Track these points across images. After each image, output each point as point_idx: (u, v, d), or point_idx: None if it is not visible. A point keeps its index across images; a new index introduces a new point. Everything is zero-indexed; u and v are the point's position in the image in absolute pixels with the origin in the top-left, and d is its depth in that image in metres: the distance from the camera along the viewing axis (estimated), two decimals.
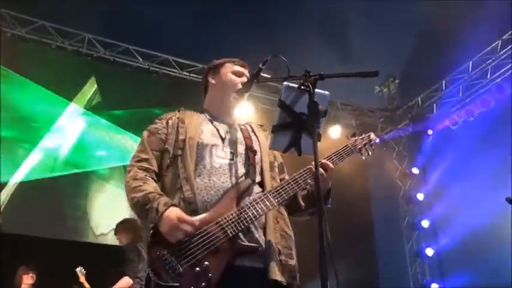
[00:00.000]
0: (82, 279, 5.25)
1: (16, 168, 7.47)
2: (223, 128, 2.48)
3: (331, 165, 2.36)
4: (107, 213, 7.96)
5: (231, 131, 2.47)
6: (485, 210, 7.82)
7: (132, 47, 8.66)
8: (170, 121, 2.48)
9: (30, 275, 6.56)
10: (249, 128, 2.58)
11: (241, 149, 2.41)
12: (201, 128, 2.42)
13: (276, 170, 2.49)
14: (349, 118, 10.44)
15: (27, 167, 7.57)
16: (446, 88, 9.76)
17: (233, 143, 2.41)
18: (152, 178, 2.31)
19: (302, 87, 2.03)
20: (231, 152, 2.37)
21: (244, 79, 2.53)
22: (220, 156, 2.34)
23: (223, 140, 2.41)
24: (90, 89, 8.38)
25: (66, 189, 7.83)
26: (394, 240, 10.18)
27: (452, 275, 8.99)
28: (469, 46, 8.79)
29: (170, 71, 8.97)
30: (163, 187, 2.32)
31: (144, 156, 2.37)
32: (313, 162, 2.21)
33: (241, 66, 2.60)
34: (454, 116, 9.58)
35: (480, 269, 7.95)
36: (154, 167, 2.35)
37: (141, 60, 8.74)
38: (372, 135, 2.69)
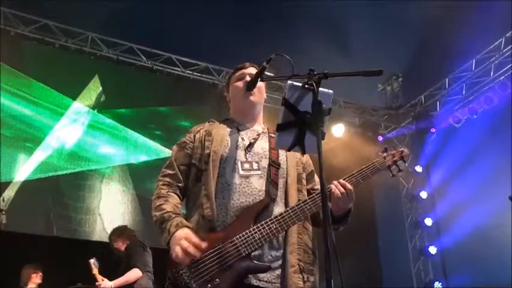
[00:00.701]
0: (95, 271, 5.27)
1: (19, 167, 7.50)
2: (249, 138, 2.48)
3: (348, 186, 2.27)
4: (111, 211, 8.00)
5: (257, 140, 2.48)
6: (489, 208, 7.82)
7: (136, 45, 8.68)
8: (198, 134, 2.48)
9: (39, 274, 6.58)
10: None
11: (264, 163, 2.39)
12: (227, 140, 2.44)
13: (304, 181, 2.46)
14: (353, 116, 10.45)
15: (31, 165, 7.60)
16: (450, 86, 9.75)
17: (257, 155, 2.41)
18: (175, 193, 2.36)
19: (306, 85, 2.02)
20: (255, 164, 2.37)
21: (247, 78, 2.53)
22: (244, 169, 2.34)
23: (247, 152, 2.41)
24: (94, 87, 8.40)
25: (70, 188, 7.84)
26: (397, 238, 10.18)
27: (456, 273, 8.98)
28: (472, 44, 8.78)
29: (173, 69, 8.99)
30: (188, 202, 2.38)
31: (169, 171, 2.42)
32: (333, 183, 2.25)
33: (240, 69, 2.62)
34: (457, 114, 9.57)
35: (483, 267, 7.95)
36: (179, 182, 2.39)
37: (144, 58, 8.76)
38: (405, 151, 2.52)
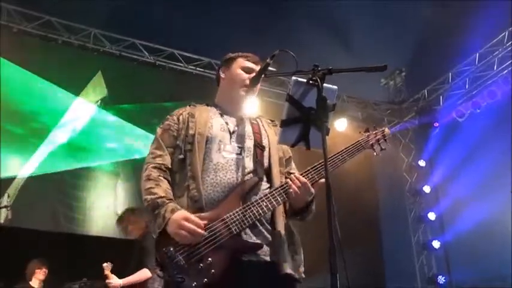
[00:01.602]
0: (107, 271, 5.26)
1: (24, 163, 7.53)
2: (232, 122, 2.49)
3: (302, 179, 2.25)
4: (115, 206, 8.02)
5: (240, 124, 2.48)
6: (492, 203, 7.82)
7: (138, 41, 8.68)
8: (181, 117, 2.48)
9: (43, 270, 6.62)
10: (259, 123, 2.57)
11: (249, 143, 2.41)
12: (211, 122, 2.43)
13: (284, 165, 2.49)
14: (355, 111, 10.44)
15: (35, 161, 7.62)
16: (453, 80, 9.74)
17: (242, 137, 2.41)
18: (165, 178, 2.35)
19: (310, 81, 2.03)
20: (239, 147, 2.38)
21: (253, 75, 2.51)
22: (228, 151, 2.35)
23: (231, 134, 2.42)
24: (97, 83, 8.40)
25: (74, 184, 7.86)
26: (400, 233, 10.18)
27: (459, 267, 8.99)
28: (476, 38, 8.75)
29: (176, 65, 9.00)
30: (173, 183, 2.36)
31: (159, 152, 2.41)
32: (290, 177, 2.26)
33: (254, 62, 2.58)
34: (460, 108, 9.56)
35: (486, 261, 7.96)
36: (168, 164, 2.38)
37: (147, 54, 8.76)
38: (386, 130, 2.60)
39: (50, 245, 7.00)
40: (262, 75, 2.44)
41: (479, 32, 8.52)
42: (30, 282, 6.57)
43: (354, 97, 10.39)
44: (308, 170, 2.30)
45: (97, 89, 8.39)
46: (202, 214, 2.18)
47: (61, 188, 7.75)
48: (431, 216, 9.89)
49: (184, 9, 8.83)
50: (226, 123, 2.46)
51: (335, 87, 2.10)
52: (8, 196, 6.51)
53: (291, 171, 2.50)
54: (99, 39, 8.47)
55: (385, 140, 2.56)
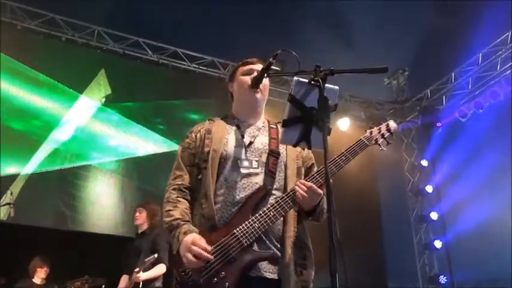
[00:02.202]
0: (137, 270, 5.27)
1: (26, 161, 7.56)
2: (249, 132, 2.51)
3: (308, 184, 2.25)
4: (118, 203, 8.06)
5: (258, 135, 2.50)
6: (494, 203, 7.82)
7: (142, 39, 8.70)
8: (198, 134, 2.52)
9: (45, 269, 6.65)
10: (279, 128, 2.50)
11: (264, 157, 2.42)
12: (226, 138, 2.46)
13: (302, 176, 2.47)
14: (358, 110, 10.44)
15: (38, 158, 7.65)
16: (456, 80, 9.73)
17: (257, 151, 2.43)
18: (184, 198, 2.40)
19: (312, 82, 2.04)
20: (255, 161, 2.39)
21: (255, 74, 2.52)
22: (243, 167, 2.37)
23: (247, 148, 2.43)
24: (100, 81, 8.43)
25: (76, 181, 7.89)
26: (402, 232, 10.18)
27: (461, 267, 8.99)
28: (479, 38, 8.74)
29: (179, 63, 9.02)
30: (193, 201, 2.41)
31: (178, 173, 2.47)
32: (296, 184, 2.27)
33: (252, 63, 2.60)
34: (463, 108, 9.54)
35: (488, 262, 7.96)
36: (187, 183, 2.43)
37: (150, 52, 8.79)
38: (391, 123, 2.56)
39: (53, 241, 7.03)
40: (265, 75, 2.45)
41: (483, 32, 8.51)
42: (33, 279, 6.62)
43: (356, 96, 10.39)
44: (313, 175, 2.31)
45: (100, 87, 8.41)
46: (214, 233, 2.23)
47: (63, 185, 7.78)
48: (434, 216, 9.89)
49: (187, 8, 8.84)
50: (242, 137, 2.47)
51: (336, 87, 2.11)
52: (11, 193, 6.55)
53: None
54: (103, 37, 8.49)
55: (391, 133, 2.53)
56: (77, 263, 6.62)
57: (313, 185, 2.25)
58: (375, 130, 2.52)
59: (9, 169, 7.38)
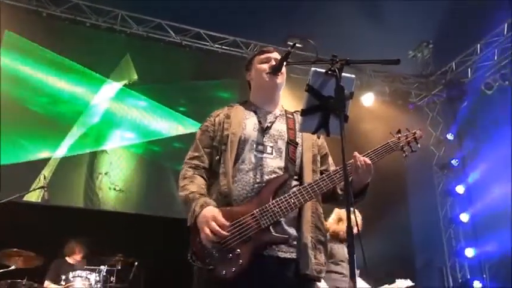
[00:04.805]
0: None
1: (57, 145, 7.79)
2: (266, 119, 2.58)
3: (368, 160, 2.38)
4: (149, 185, 8.27)
5: (275, 121, 2.57)
6: None
7: (164, 21, 8.78)
8: (217, 118, 2.61)
9: (82, 254, 6.91)
10: (295, 118, 2.63)
11: (281, 143, 2.49)
12: (245, 122, 2.54)
13: (318, 163, 2.56)
14: (382, 85, 10.38)
15: (68, 143, 7.86)
16: (481, 52, 9.56)
17: (274, 137, 2.51)
18: (200, 175, 2.49)
19: (329, 72, 2.11)
20: (271, 146, 2.47)
21: (272, 62, 2.60)
22: (259, 151, 2.45)
23: (264, 132, 2.51)
24: (126, 65, 8.56)
25: (106, 163, 8.10)
26: (428, 206, 10.18)
27: (487, 240, 8.98)
28: (504, 7, 8.55)
29: (203, 44, 9.08)
30: (210, 182, 2.50)
31: (195, 154, 2.56)
32: (355, 154, 2.37)
33: (265, 52, 2.68)
34: (489, 80, 9.37)
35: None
36: (205, 164, 2.53)
37: (173, 34, 8.86)
38: (418, 132, 2.62)
39: (86, 222, 7.26)
40: (284, 63, 2.54)
41: (509, 1, 8.33)
42: (67, 258, 6.88)
43: (380, 71, 10.30)
44: (368, 153, 2.43)
45: (126, 70, 8.55)
46: (234, 208, 2.31)
47: (93, 167, 7.99)
48: (460, 189, 9.84)
49: None
50: (260, 122, 2.55)
51: (353, 76, 2.18)
52: (44, 177, 6.78)
53: (329, 168, 2.59)
54: (126, 21, 8.59)
55: (417, 142, 2.59)
56: (109, 242, 6.81)
57: (370, 163, 2.37)
58: (403, 137, 2.57)
59: (41, 154, 7.62)
